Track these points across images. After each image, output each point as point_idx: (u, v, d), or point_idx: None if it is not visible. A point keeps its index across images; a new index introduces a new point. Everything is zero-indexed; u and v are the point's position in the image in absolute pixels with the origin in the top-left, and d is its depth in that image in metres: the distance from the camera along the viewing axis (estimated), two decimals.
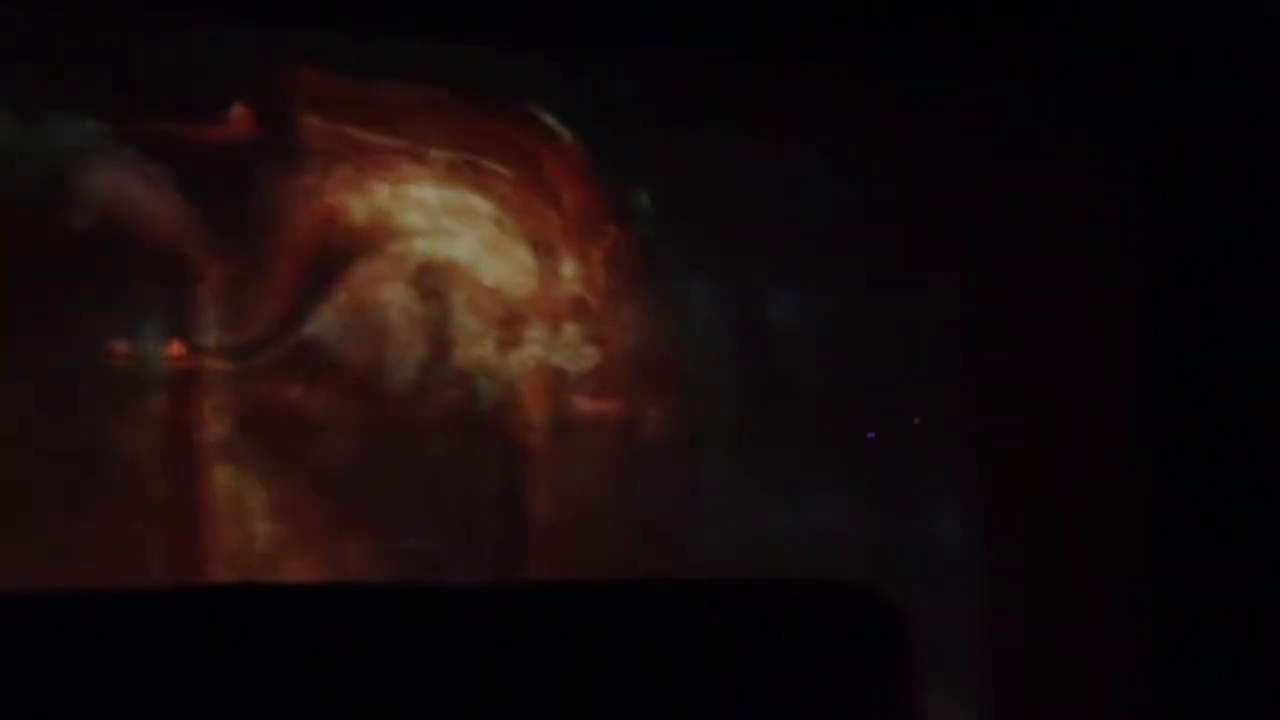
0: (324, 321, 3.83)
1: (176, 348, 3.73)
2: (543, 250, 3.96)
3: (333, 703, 2.59)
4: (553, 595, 3.01)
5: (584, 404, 3.97)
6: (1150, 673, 4.25)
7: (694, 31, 3.87)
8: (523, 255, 3.95)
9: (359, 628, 2.68)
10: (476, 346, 3.91)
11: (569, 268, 3.98)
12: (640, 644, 2.99)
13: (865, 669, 3.22)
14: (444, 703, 2.73)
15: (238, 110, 3.75)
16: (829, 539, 4.01)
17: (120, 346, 3.68)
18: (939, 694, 3.84)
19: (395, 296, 3.88)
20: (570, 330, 3.96)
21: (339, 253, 3.85)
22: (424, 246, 3.90)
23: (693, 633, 3.06)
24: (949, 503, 4.21)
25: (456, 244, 3.92)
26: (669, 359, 4.02)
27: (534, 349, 3.93)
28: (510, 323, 3.93)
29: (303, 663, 2.57)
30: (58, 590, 2.68)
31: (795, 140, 4.11)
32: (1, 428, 3.60)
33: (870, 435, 4.13)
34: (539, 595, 3.00)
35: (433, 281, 3.90)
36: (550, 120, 3.96)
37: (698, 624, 3.08)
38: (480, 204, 3.92)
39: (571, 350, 3.95)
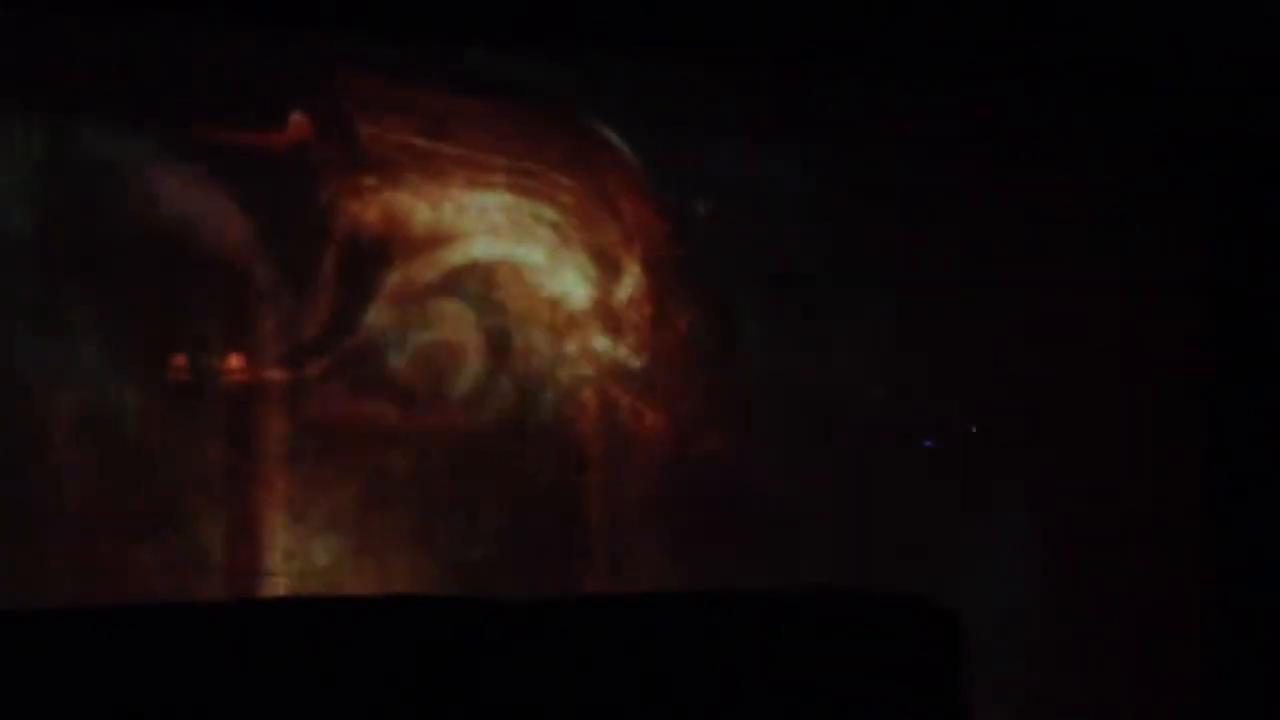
0: (383, 330, 3.83)
1: (235, 358, 3.73)
2: (601, 259, 3.98)
3: (388, 713, 2.58)
4: (608, 607, 3.01)
5: (641, 412, 3.97)
6: (1213, 689, 4.21)
7: (751, 39, 3.90)
8: (582, 264, 3.96)
9: (414, 640, 2.67)
10: (536, 355, 3.94)
11: (627, 276, 3.98)
12: (696, 652, 2.98)
13: (919, 675, 3.21)
14: (497, 712, 2.71)
15: (297, 118, 3.77)
16: (884, 544, 4.00)
17: (179, 357, 3.68)
18: (992, 700, 3.83)
19: (454, 305, 3.90)
20: (628, 338, 3.96)
21: (399, 261, 3.87)
22: (483, 256, 3.94)
23: (748, 641, 3.05)
24: (1006, 512, 4.19)
25: (515, 253, 3.96)
26: (725, 366, 4.02)
27: (593, 357, 3.94)
28: (569, 331, 3.93)
29: (359, 674, 2.56)
30: (113, 603, 2.68)
31: (844, 146, 4.15)
32: (60, 436, 3.59)
33: (928, 444, 4.13)
34: (594, 607, 3.00)
35: (492, 290, 3.94)
36: (606, 130, 3.97)
37: (753, 632, 3.07)
38: (539, 212, 3.93)
39: (630, 358, 3.95)
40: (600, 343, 3.96)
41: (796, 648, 3.04)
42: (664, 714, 2.88)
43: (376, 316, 3.85)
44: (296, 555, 3.74)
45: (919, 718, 3.19)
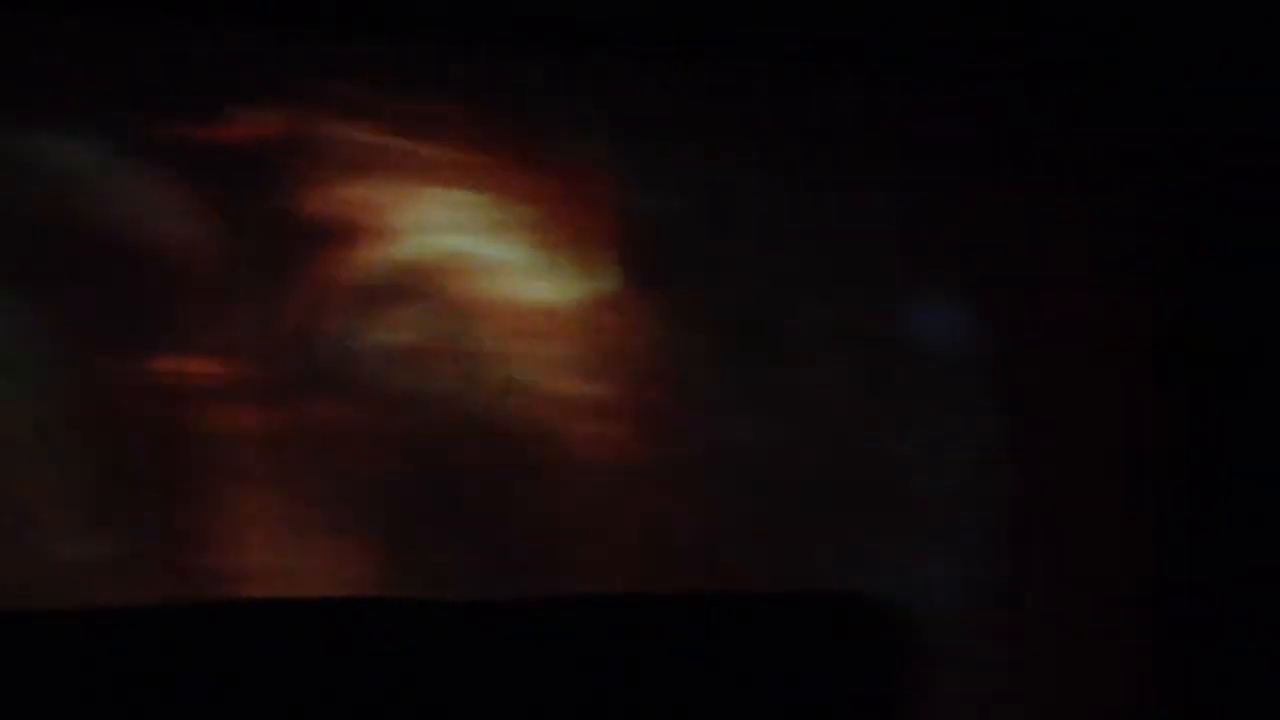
0: (345, 330, 3.82)
1: (195, 360, 3.71)
2: (569, 262, 3.98)
3: (348, 715, 2.59)
4: (559, 609, 3.02)
5: (603, 418, 3.97)
6: (1175, 688, 4.24)
7: (719, 40, 3.90)
8: (550, 267, 3.97)
9: (374, 642, 2.68)
10: (501, 357, 3.91)
11: (595, 279, 3.98)
12: (649, 655, 3.00)
13: (862, 675, 3.23)
14: (458, 715, 2.73)
15: (263, 116, 3.76)
16: (843, 551, 4.01)
17: (138, 359, 3.67)
18: (950, 702, 3.87)
19: (419, 306, 3.88)
20: (590, 343, 3.96)
21: (361, 262, 3.86)
22: (450, 257, 3.91)
23: (696, 643, 3.06)
24: (971, 517, 4.20)
25: (482, 254, 3.93)
26: (687, 372, 4.01)
27: (558, 361, 3.93)
28: (536, 334, 3.93)
29: (319, 676, 2.56)
30: (76, 607, 2.68)
31: (808, 148, 4.12)
32: (20, 440, 3.58)
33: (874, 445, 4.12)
34: (546, 609, 3.01)
35: (458, 292, 3.90)
36: (577, 133, 3.98)
37: (702, 635, 3.09)
38: (508, 214, 3.94)
39: (592, 362, 3.95)
40: (566, 346, 3.94)
41: (738, 651, 3.06)
42: (604, 715, 2.91)
43: (337, 317, 3.82)
44: (247, 557, 3.72)
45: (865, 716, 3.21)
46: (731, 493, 3.99)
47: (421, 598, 3.28)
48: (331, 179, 3.84)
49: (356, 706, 2.65)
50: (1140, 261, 4.32)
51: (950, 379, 4.19)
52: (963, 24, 3.93)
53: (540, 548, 3.86)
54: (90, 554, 3.62)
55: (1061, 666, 4.16)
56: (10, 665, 2.41)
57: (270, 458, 3.73)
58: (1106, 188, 4.30)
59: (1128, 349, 4.30)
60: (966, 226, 4.21)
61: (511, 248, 3.95)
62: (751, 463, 4.02)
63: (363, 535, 3.76)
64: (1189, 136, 4.29)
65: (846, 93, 4.13)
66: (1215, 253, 4.28)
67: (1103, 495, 4.25)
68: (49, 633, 2.47)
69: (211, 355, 3.72)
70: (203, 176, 3.74)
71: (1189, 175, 4.30)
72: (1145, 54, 4.11)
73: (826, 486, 4.07)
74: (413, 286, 3.88)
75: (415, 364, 3.86)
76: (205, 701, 2.53)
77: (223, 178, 3.76)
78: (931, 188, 4.18)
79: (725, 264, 4.07)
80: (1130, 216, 4.31)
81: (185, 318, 3.72)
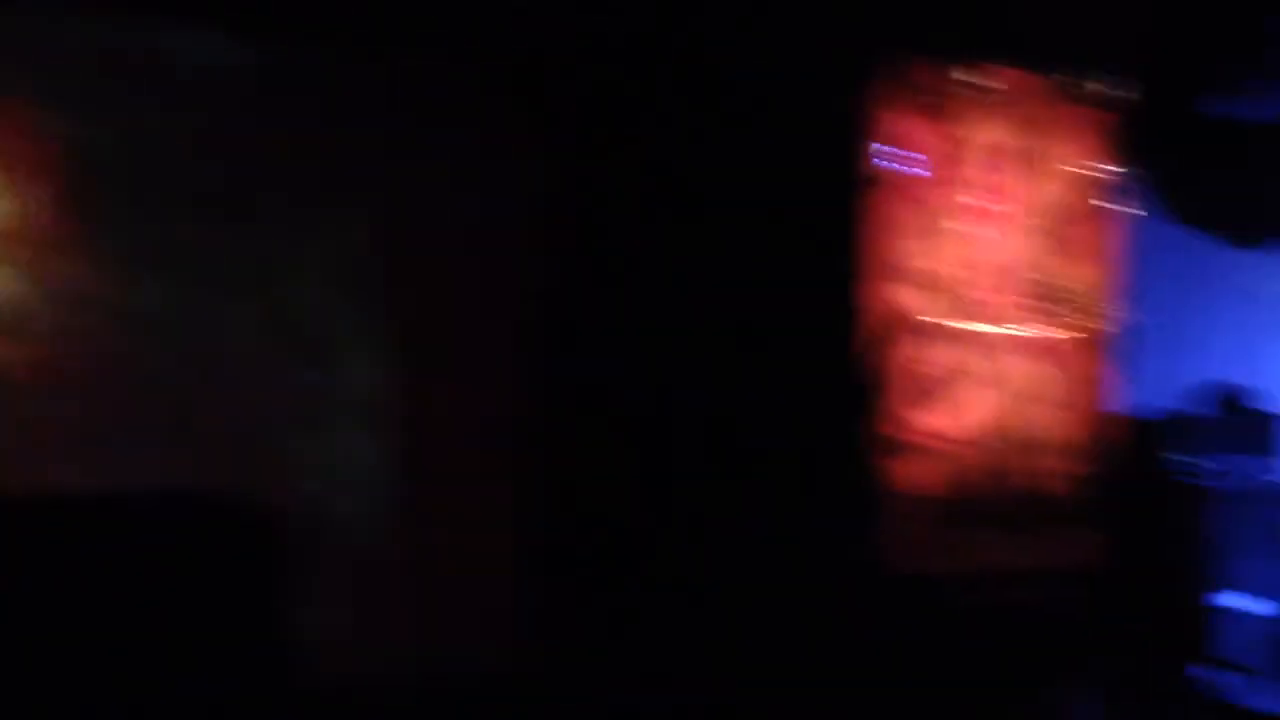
0: None
1: None
2: None
3: None
4: None
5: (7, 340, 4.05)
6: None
7: None
8: None
9: None
10: None
11: (12, 200, 4.01)
12: (27, 552, 3.12)
13: (230, 579, 3.39)
14: None
15: None
16: (237, 458, 4.17)
17: None
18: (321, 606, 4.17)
19: None
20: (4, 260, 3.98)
21: None
22: None
23: (75, 542, 3.19)
24: (364, 431, 4.43)
25: None
26: (98, 297, 4.10)
27: None
28: None
29: None
30: None
31: (211, 88, 4.25)
32: None
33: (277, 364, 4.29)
34: None
35: None
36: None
37: (80, 534, 3.22)
38: None
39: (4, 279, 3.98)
40: None
41: (114, 548, 3.21)
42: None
43: None
44: None
45: (230, 619, 3.35)
46: (131, 401, 4.09)
47: None
48: None
49: None
50: (521, 207, 4.55)
51: (346, 303, 4.39)
52: None
53: None
54: None
55: (447, 564, 4.41)
56: None
57: None
58: (493, 128, 4.51)
59: (504, 283, 4.55)
60: (371, 162, 4.41)
61: None
62: (153, 375, 4.14)
63: None
64: (574, 83, 4.46)
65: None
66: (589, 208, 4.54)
67: (483, 410, 4.51)
68: None
69: None
70: None
71: (572, 129, 4.50)
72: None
73: (233, 401, 4.23)
74: None
75: None
76: None
77: None
78: (339, 123, 4.37)
79: (142, 192, 4.17)
80: (514, 159, 4.53)
81: None
